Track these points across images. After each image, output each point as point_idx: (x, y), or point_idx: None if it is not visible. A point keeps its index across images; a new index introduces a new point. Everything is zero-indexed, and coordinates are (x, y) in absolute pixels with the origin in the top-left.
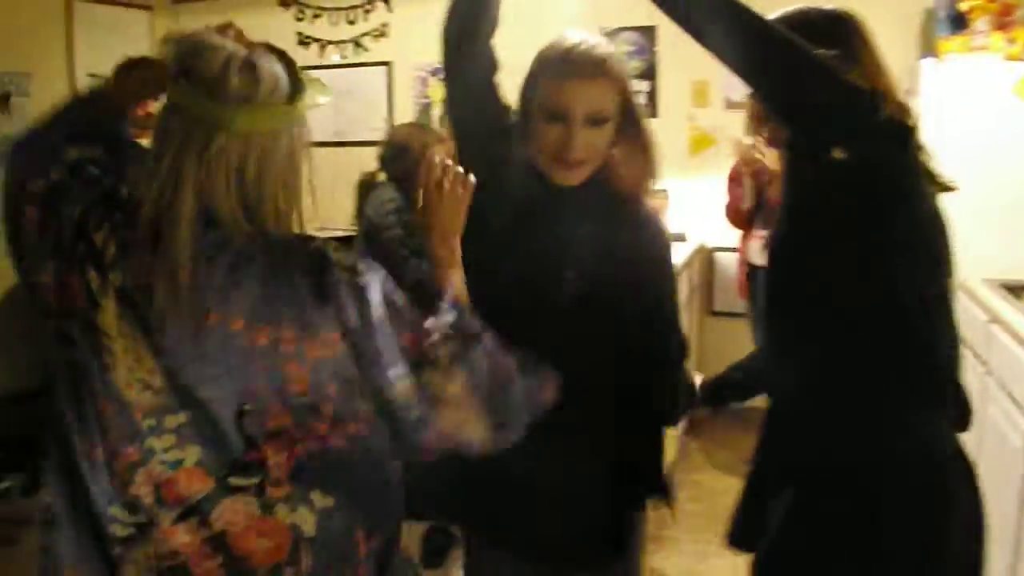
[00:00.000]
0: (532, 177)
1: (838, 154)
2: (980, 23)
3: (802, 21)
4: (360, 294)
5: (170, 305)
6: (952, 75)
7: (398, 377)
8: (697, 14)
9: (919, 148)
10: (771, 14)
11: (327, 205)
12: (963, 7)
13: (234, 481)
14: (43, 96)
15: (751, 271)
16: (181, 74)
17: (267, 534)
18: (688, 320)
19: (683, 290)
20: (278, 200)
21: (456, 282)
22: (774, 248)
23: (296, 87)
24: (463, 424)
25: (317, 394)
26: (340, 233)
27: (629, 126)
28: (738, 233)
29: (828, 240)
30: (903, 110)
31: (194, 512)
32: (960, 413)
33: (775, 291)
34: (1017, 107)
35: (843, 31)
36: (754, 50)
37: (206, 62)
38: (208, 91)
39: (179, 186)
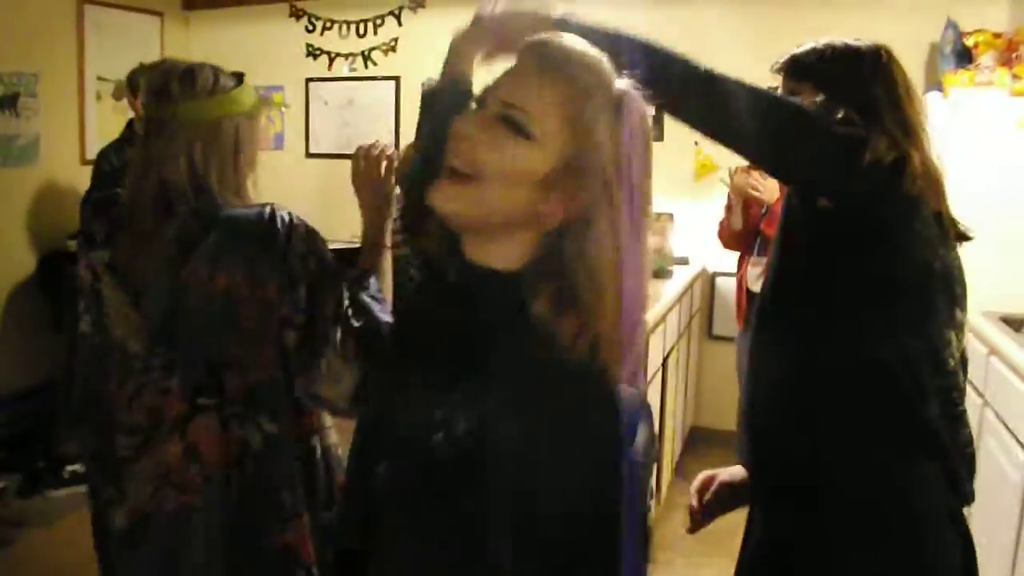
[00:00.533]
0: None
1: (823, 203)
2: (986, 58)
3: (815, 58)
4: (297, 250)
5: (143, 268)
6: (957, 109)
7: (295, 326)
8: (673, 87)
9: (928, 193)
10: (797, 48)
11: (333, 216)
12: (969, 42)
13: (201, 401)
14: (51, 97)
15: (749, 298)
16: (145, 94)
17: (224, 444)
18: (687, 344)
19: (683, 314)
20: (224, 173)
21: (381, 266)
22: (764, 281)
23: (236, 86)
24: (335, 379)
25: (263, 329)
26: (342, 245)
27: (583, 185)
28: (738, 258)
29: (810, 281)
30: (903, 150)
31: (176, 428)
32: (958, 476)
33: (762, 320)
34: (1021, 142)
35: (855, 68)
36: (729, 118)
37: (153, 76)
38: (157, 97)
39: (146, 172)
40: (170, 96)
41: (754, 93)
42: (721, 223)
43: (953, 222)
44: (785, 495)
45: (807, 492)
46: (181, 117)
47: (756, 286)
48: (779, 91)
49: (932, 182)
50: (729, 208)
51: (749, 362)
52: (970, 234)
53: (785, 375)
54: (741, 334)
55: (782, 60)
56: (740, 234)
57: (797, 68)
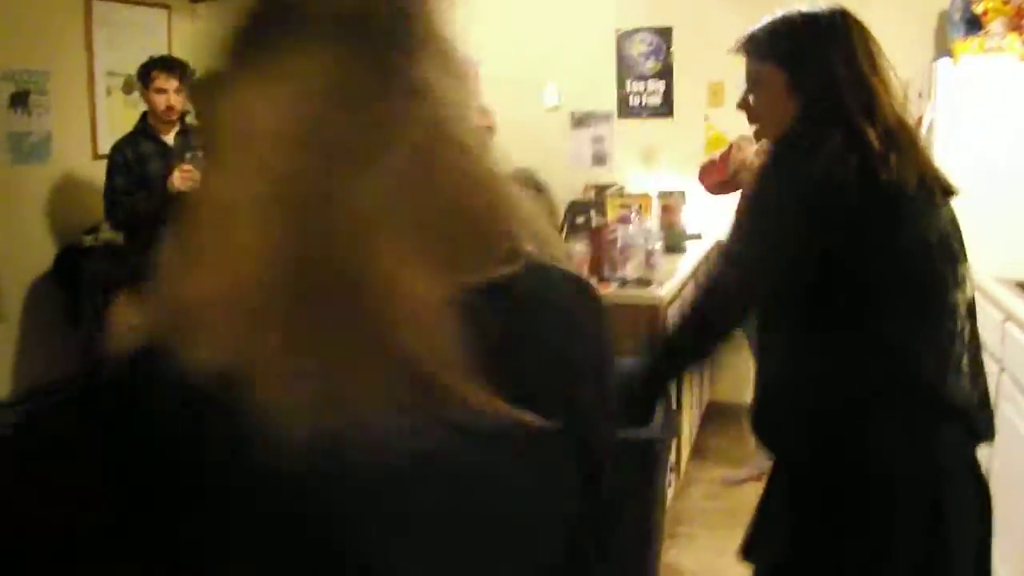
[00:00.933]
0: None
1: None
2: (995, 25)
3: (771, 35)
4: None
5: None
6: (967, 76)
7: None
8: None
9: (905, 165)
10: (763, 18)
11: None
12: (978, 9)
13: None
14: (61, 94)
15: None
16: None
17: None
18: None
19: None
20: None
21: None
22: None
23: None
24: None
25: None
26: None
27: None
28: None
29: (810, 281)
30: (862, 131)
31: None
32: (978, 424)
33: (767, 317)
34: None
35: (814, 39)
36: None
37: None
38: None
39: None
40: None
41: (704, 316)
42: (712, 163)
43: (937, 179)
44: (808, 473)
45: (830, 470)
46: None
47: None
48: (744, 74)
49: (906, 148)
50: (724, 161)
51: (758, 358)
52: (955, 188)
53: (797, 368)
54: None
55: (740, 41)
56: (726, 183)
57: (757, 48)
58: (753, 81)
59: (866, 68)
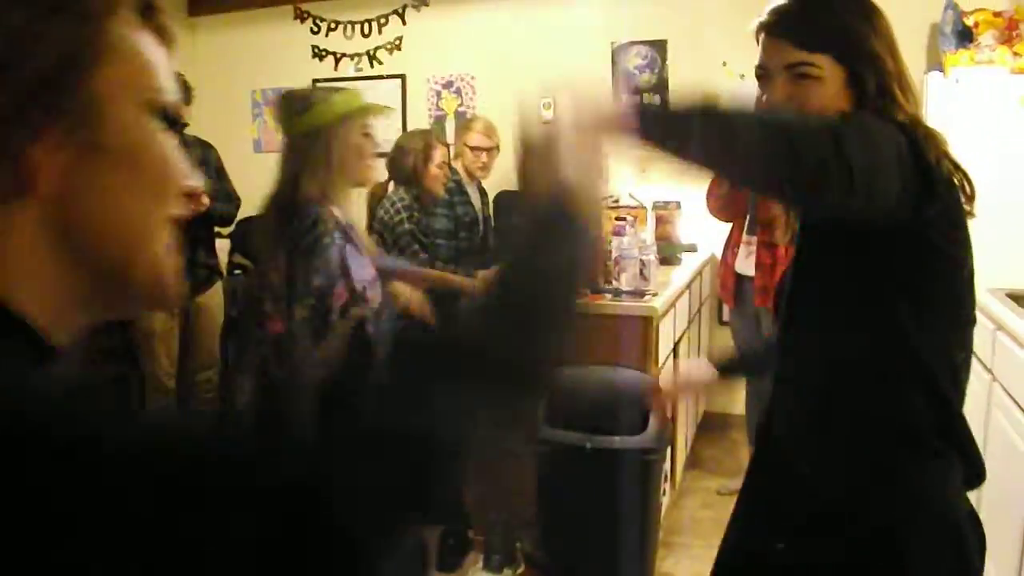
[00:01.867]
0: None
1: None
2: (986, 37)
3: (819, 17)
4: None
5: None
6: (958, 89)
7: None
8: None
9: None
10: (774, 5)
11: None
12: (969, 22)
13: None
14: None
15: (738, 280)
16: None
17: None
18: (698, 330)
19: (693, 301)
20: (320, 176)
21: None
22: (785, 277)
23: (327, 99)
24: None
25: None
26: None
27: None
28: (726, 238)
29: (851, 281)
30: (919, 122)
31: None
32: (974, 469)
33: (790, 320)
34: (1023, 119)
35: (861, 24)
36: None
37: (275, 110)
38: (278, 122)
39: (276, 185)
40: (281, 120)
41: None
42: (707, 190)
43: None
44: (820, 514)
45: (844, 512)
46: (288, 135)
47: (744, 268)
48: (757, 61)
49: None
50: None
51: (779, 365)
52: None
53: (824, 379)
54: (732, 313)
55: (772, 21)
56: (727, 199)
57: (806, 34)
58: (798, 74)
59: (901, 61)
